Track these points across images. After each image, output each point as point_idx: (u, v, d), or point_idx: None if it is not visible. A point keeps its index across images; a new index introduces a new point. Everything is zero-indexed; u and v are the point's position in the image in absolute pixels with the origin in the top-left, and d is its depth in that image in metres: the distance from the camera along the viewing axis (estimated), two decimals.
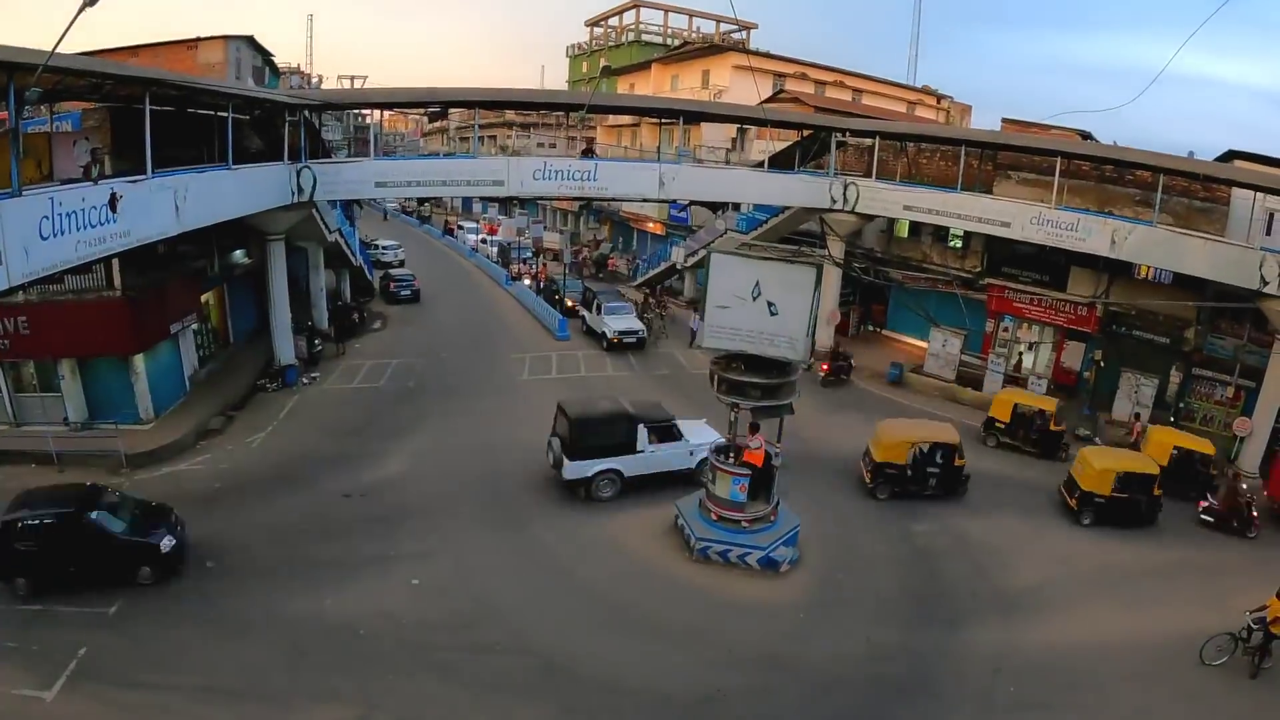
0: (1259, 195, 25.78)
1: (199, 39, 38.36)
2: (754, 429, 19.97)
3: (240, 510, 21.81)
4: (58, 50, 14.38)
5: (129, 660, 15.69)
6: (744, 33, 75.52)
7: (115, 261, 23.26)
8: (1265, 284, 24.34)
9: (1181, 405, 30.28)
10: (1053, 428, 27.06)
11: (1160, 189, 27.17)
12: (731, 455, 20.15)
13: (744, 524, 19.83)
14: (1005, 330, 35.62)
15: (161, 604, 17.43)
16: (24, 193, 14.99)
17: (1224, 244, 26.22)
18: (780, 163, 37.65)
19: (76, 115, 25.95)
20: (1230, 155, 31.97)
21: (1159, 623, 17.99)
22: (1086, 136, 38.07)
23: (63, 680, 14.92)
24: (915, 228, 39.31)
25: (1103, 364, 31.93)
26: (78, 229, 16.57)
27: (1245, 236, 26.22)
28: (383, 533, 20.82)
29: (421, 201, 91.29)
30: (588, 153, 36.24)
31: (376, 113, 40.22)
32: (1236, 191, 27.85)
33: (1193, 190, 29.36)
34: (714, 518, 20.10)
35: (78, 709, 14.37)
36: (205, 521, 20.93)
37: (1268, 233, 26.77)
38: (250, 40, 42.49)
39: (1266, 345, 26.64)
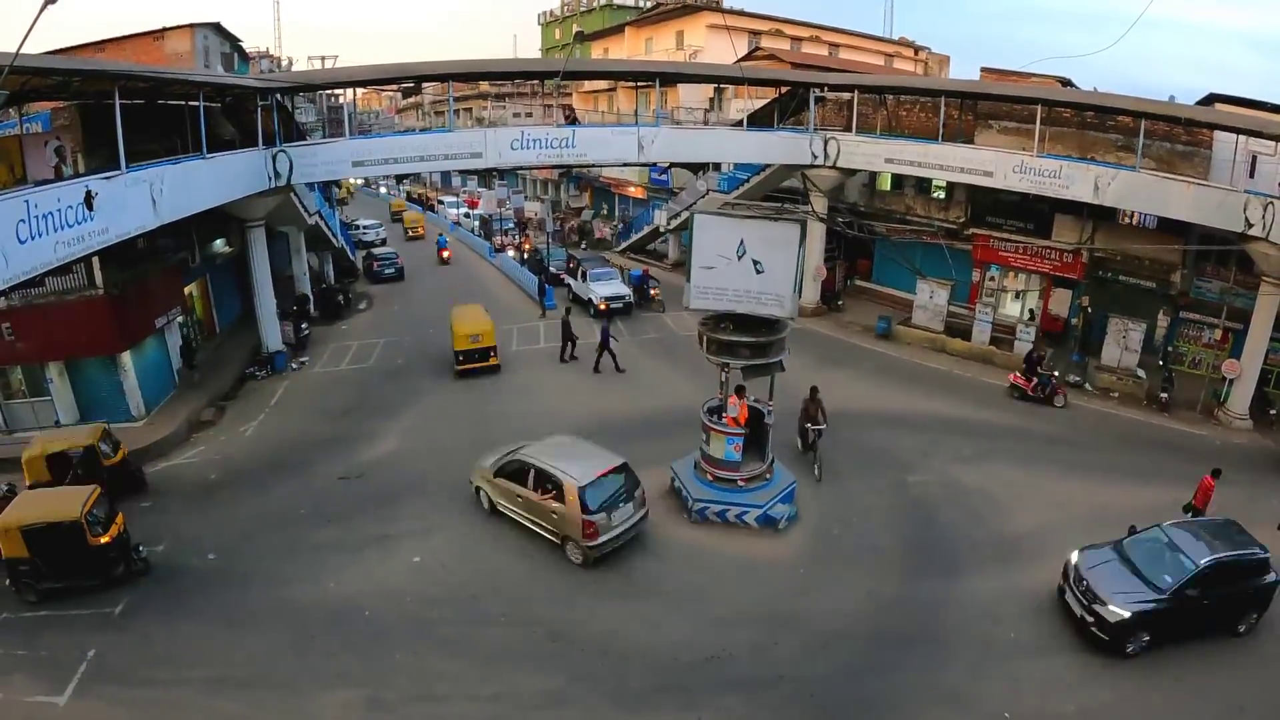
0: (1241, 138, 25.69)
1: (165, 29, 37.86)
2: (739, 392, 20.04)
3: (238, 500, 21.87)
4: (22, 51, 14.19)
5: (138, 658, 15.76)
6: None
7: (95, 260, 23.13)
8: (1250, 226, 24.32)
9: (1170, 349, 30.40)
10: None
11: (1142, 134, 27.10)
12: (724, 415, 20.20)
13: (740, 483, 19.97)
14: (992, 280, 35.70)
15: (166, 599, 17.49)
16: None
17: (1207, 187, 26.14)
18: (759, 121, 37.51)
19: (46, 115, 25.69)
20: (1211, 99, 31.89)
21: None
22: (1066, 83, 37.94)
23: (74, 683, 14.98)
24: (898, 180, 39.23)
25: (1090, 310, 32.00)
26: (55, 229, 16.44)
27: (1228, 179, 26.19)
28: (381, 512, 20.88)
29: (400, 179, 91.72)
30: (571, 120, 36.01)
31: (350, 92, 39.90)
32: (1218, 135, 27.78)
33: (1175, 135, 29.27)
34: (710, 478, 20.24)
35: (91, 711, 14.45)
36: (204, 513, 21.06)
37: (1251, 175, 26.76)
38: (217, 27, 41.97)
39: (1253, 287, 26.65)
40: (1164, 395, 27.29)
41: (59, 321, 24.30)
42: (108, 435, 20.32)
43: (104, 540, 17.39)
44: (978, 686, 14.54)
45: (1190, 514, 18.80)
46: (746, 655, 15.37)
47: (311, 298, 39.41)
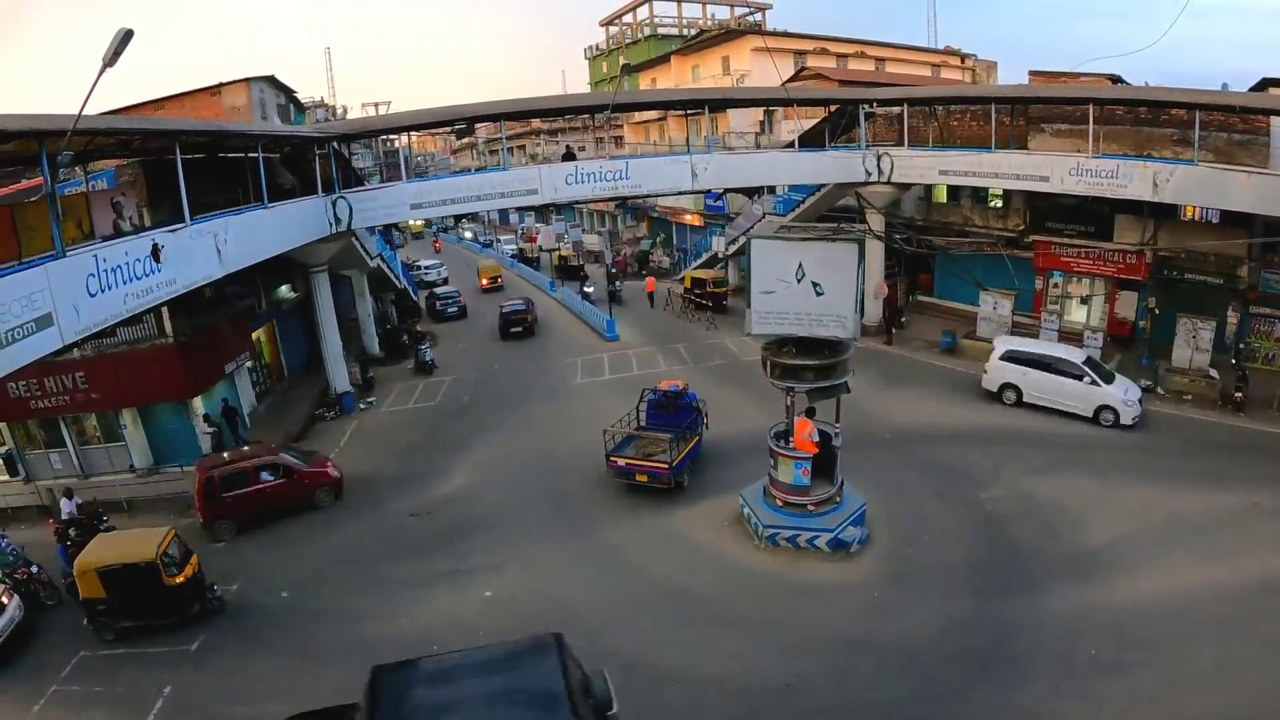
0: None
1: (222, 84, 38.97)
2: (808, 414, 19.85)
3: (310, 538, 22.33)
4: (84, 112, 14.67)
5: (213, 694, 16.10)
6: (759, 14, 75.06)
7: (164, 309, 23.79)
8: None
9: (1241, 346, 29.49)
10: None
11: (1197, 126, 26.30)
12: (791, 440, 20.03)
13: (810, 507, 19.70)
14: (1055, 286, 35.02)
15: (241, 636, 17.88)
16: (68, 253, 15.37)
17: (1268, 176, 25.25)
18: (811, 141, 37.35)
19: (111, 172, 26.53)
20: (1264, 83, 31.08)
21: (1235, 571, 17.49)
22: (1116, 80, 37.24)
23: (150, 719, 15.33)
24: (954, 191, 38.74)
25: (1158, 311, 31.17)
26: (124, 282, 16.97)
27: None
28: (452, 548, 21.10)
29: (458, 219, 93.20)
30: (568, 156, 36.47)
31: (405, 136, 40.60)
32: (1275, 120, 26.99)
33: (1231, 124, 28.36)
34: (779, 503, 20.00)
35: None
36: (277, 552, 21.57)
37: None
38: (272, 80, 43.11)
39: None
40: (1238, 395, 26.37)
41: (131, 369, 25.13)
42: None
43: (179, 580, 17.85)
44: (1058, 706, 14.09)
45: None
46: (822, 681, 15.12)
47: (377, 339, 40.11)
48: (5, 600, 18.50)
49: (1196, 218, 30.18)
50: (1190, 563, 17.93)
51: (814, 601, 17.69)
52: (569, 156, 36.81)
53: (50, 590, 19.91)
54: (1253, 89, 30.81)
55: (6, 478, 26.91)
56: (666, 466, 22.40)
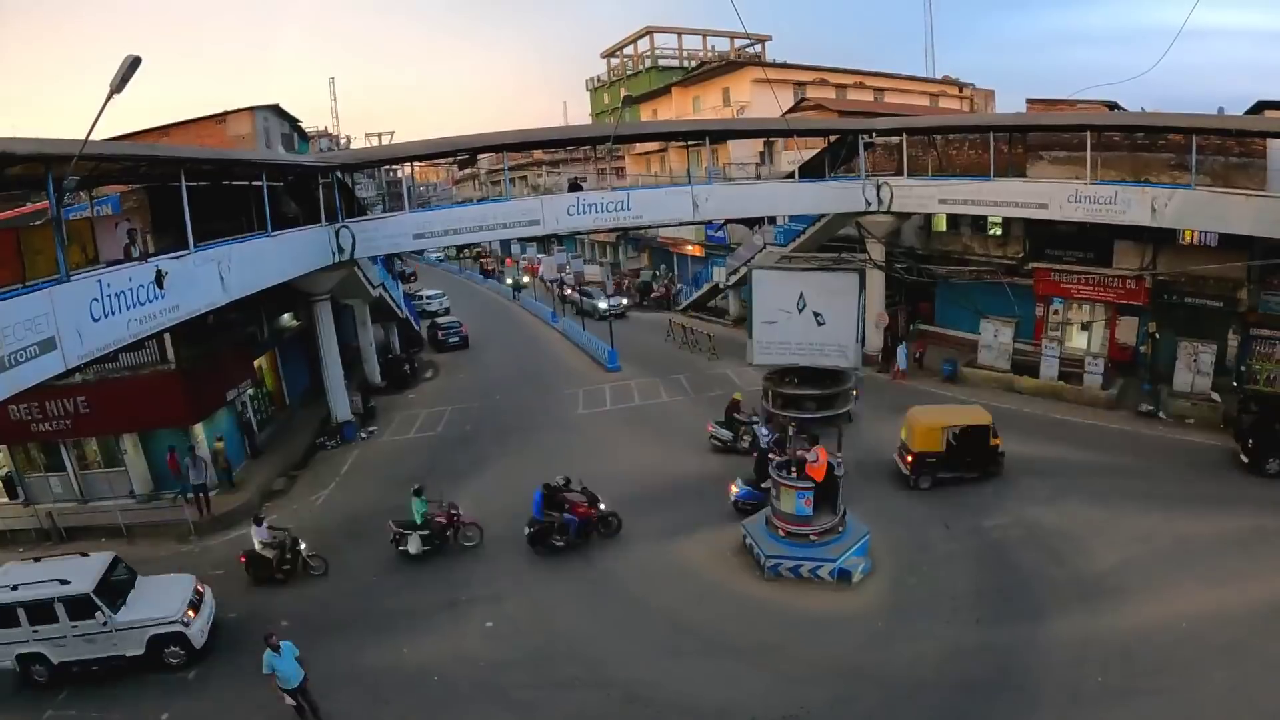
0: None
1: (226, 112, 39.04)
2: (813, 440, 19.79)
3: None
4: (90, 138, 14.77)
5: None
6: (758, 46, 75.61)
7: (167, 335, 23.76)
8: None
9: (1243, 368, 29.45)
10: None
11: (1194, 150, 26.49)
12: (794, 470, 19.96)
13: (812, 537, 19.62)
14: (1056, 313, 35.04)
15: (239, 666, 17.63)
16: (72, 277, 15.42)
17: (1266, 198, 25.26)
18: (811, 171, 37.46)
19: (115, 198, 26.62)
20: (1260, 106, 31.22)
21: (1243, 594, 17.42)
22: (1113, 107, 37.42)
23: None
24: (953, 220, 38.82)
25: (1158, 335, 31.22)
26: (127, 308, 17.01)
27: None
28: (453, 578, 20.99)
29: (461, 249, 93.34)
30: (574, 188, 36.60)
31: (407, 166, 40.73)
32: (1272, 143, 27.16)
33: (1227, 147, 28.49)
34: (782, 534, 19.93)
35: None
36: (276, 581, 21.24)
37: None
38: (276, 109, 43.21)
39: None
40: (1241, 417, 26.38)
41: (132, 395, 25.05)
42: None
43: None
44: None
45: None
46: (826, 712, 15.02)
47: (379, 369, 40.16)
48: (200, 589, 18.98)
49: (1195, 242, 30.23)
50: (1197, 587, 17.86)
51: (817, 631, 17.59)
52: (575, 188, 36.93)
53: None
54: (1249, 112, 30.91)
55: (6, 500, 26.75)
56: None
